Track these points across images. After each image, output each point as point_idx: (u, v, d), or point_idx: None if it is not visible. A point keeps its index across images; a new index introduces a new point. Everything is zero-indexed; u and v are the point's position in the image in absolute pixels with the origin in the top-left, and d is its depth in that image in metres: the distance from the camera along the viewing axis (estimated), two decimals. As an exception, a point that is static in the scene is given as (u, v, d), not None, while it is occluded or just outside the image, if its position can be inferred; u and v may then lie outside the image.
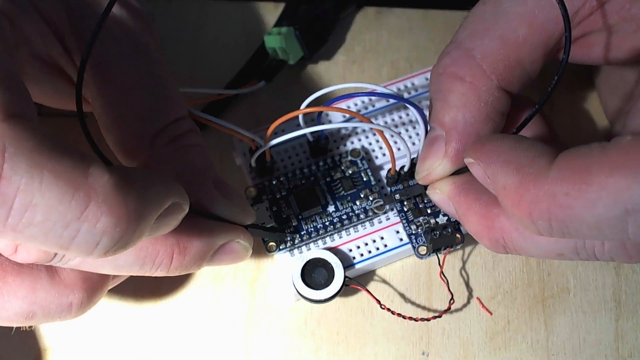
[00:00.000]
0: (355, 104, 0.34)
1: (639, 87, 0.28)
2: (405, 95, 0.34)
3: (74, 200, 0.17)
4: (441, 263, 0.30)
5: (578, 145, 0.21)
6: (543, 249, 0.24)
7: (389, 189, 0.32)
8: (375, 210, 0.31)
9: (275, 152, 0.33)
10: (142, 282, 0.32)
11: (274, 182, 0.32)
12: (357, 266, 0.31)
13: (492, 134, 0.26)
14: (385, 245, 0.31)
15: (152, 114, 0.25)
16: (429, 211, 0.31)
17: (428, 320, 0.30)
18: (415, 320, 0.29)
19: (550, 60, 0.27)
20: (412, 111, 0.29)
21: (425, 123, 0.29)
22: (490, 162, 0.23)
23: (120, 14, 0.27)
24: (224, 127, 0.30)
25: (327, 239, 0.31)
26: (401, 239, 0.31)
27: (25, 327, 0.28)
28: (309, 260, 0.30)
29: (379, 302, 0.30)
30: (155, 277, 0.32)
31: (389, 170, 0.31)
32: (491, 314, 0.31)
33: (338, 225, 0.31)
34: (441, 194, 0.27)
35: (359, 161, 0.32)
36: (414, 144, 0.33)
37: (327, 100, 0.32)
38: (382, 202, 0.31)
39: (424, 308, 0.31)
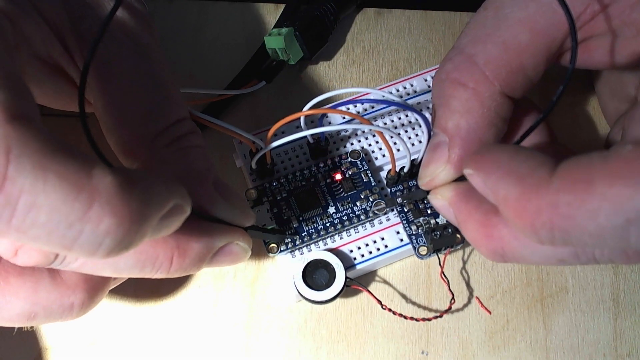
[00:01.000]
0: (355, 106, 0.34)
1: (639, 92, 0.28)
2: (405, 98, 0.35)
3: (77, 201, 0.17)
4: (442, 263, 0.30)
5: (579, 155, 0.21)
6: (544, 256, 0.24)
7: (389, 189, 0.32)
8: (376, 211, 0.31)
9: (275, 153, 0.33)
10: (143, 282, 0.32)
11: (274, 184, 0.32)
12: (358, 267, 0.31)
13: (491, 145, 0.26)
14: (386, 246, 0.31)
15: (153, 115, 0.25)
16: (429, 211, 0.31)
17: (429, 320, 0.30)
18: (417, 320, 0.30)
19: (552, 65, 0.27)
20: (413, 113, 0.29)
21: (429, 128, 0.29)
22: (490, 173, 0.23)
23: (121, 15, 0.27)
24: (224, 128, 0.30)
25: (328, 240, 0.31)
26: (402, 240, 0.31)
27: (26, 327, 0.28)
28: (310, 261, 0.30)
29: (380, 302, 0.30)
30: (155, 278, 0.32)
31: (389, 171, 0.31)
32: (490, 313, 0.31)
33: (339, 226, 0.31)
34: (442, 200, 0.27)
35: (359, 162, 0.32)
36: (413, 144, 0.33)
37: (328, 103, 0.32)
38: (382, 203, 0.31)
39: (424, 308, 0.32)
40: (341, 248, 0.31)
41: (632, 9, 0.25)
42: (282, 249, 0.30)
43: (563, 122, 0.36)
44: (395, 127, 0.34)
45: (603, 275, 0.32)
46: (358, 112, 0.34)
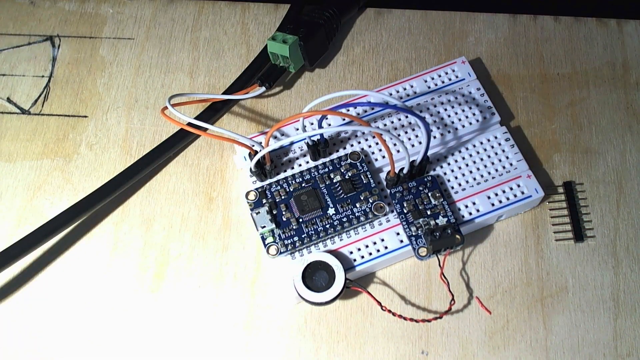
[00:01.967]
0: (354, 107, 0.34)
1: None
2: (404, 99, 0.35)
3: None
4: (441, 264, 0.31)
5: None
6: None
7: (388, 190, 0.32)
8: (375, 213, 0.31)
9: (275, 155, 0.33)
10: (143, 282, 0.32)
11: (274, 186, 0.32)
12: (357, 268, 0.31)
13: None
14: (386, 247, 0.31)
15: None
16: (428, 213, 0.31)
17: (429, 321, 0.30)
18: (417, 321, 0.30)
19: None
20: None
21: (428, 130, 0.29)
22: None
23: None
24: (220, 137, 0.30)
25: (328, 241, 0.31)
26: (401, 241, 0.31)
27: None
28: (310, 263, 0.30)
29: (379, 303, 0.30)
30: (155, 277, 0.32)
31: (389, 172, 0.31)
32: (490, 313, 0.31)
33: (338, 227, 0.31)
34: None
35: (358, 164, 0.32)
36: (413, 146, 0.34)
37: (327, 105, 0.32)
38: (382, 204, 0.31)
39: (424, 309, 0.32)
40: (341, 249, 0.31)
41: None
42: (282, 251, 0.30)
43: (563, 122, 0.36)
44: (395, 129, 0.34)
45: (603, 275, 0.32)
46: (357, 114, 0.34)
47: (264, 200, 0.32)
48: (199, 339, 0.31)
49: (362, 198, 0.31)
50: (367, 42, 0.39)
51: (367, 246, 0.31)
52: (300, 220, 0.31)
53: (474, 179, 0.33)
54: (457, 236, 0.30)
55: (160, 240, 0.33)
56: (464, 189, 0.32)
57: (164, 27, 0.40)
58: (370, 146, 0.33)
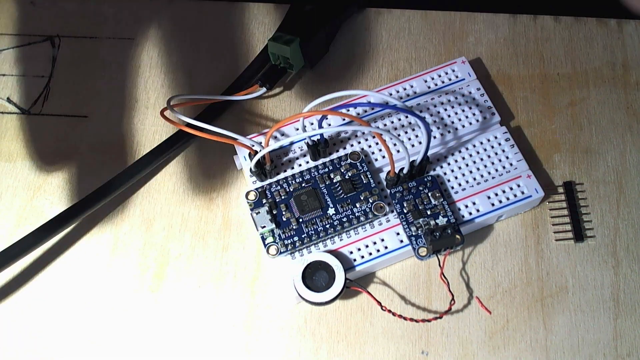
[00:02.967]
0: (354, 107, 0.34)
1: None
2: (404, 99, 0.35)
3: None
4: (441, 264, 0.31)
5: None
6: None
7: (388, 190, 0.32)
8: (375, 213, 0.31)
9: (275, 155, 0.33)
10: (142, 282, 0.32)
11: (274, 186, 0.32)
12: (357, 268, 0.31)
13: None
14: (386, 247, 0.31)
15: None
16: (428, 212, 0.31)
17: (429, 321, 0.30)
18: (417, 321, 0.30)
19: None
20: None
21: (428, 130, 0.29)
22: None
23: None
24: (220, 137, 0.30)
25: (328, 241, 0.31)
26: (401, 241, 0.31)
27: None
28: (310, 263, 0.30)
29: (379, 303, 0.30)
30: (155, 277, 0.32)
31: (388, 172, 0.31)
32: (490, 313, 0.31)
33: (338, 227, 0.31)
34: None
35: (358, 164, 0.32)
36: (413, 146, 0.34)
37: (327, 105, 0.32)
38: (382, 204, 0.31)
39: (424, 309, 0.32)
40: (341, 249, 0.31)
41: None
42: (282, 251, 0.30)
43: (563, 122, 0.36)
44: (395, 129, 0.34)
45: (603, 275, 0.32)
46: (358, 114, 0.34)
47: (264, 200, 0.32)
48: (199, 338, 0.31)
49: (362, 198, 0.31)
50: (367, 42, 0.39)
51: (367, 246, 0.31)
52: (300, 220, 0.31)
53: (474, 179, 0.33)
54: (457, 236, 0.30)
55: (160, 240, 0.33)
56: (464, 189, 0.32)
57: (164, 27, 0.40)
58: (370, 146, 0.33)
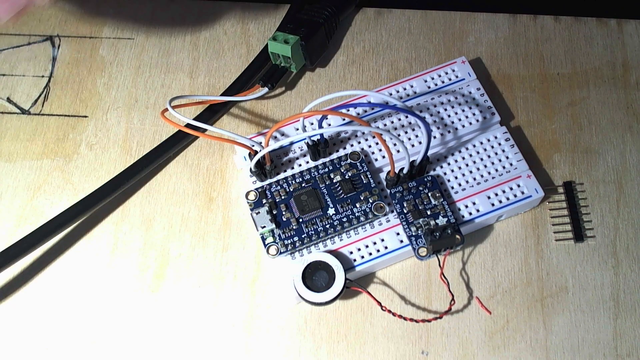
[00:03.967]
0: (354, 107, 0.34)
1: None
2: (404, 99, 0.35)
3: None
4: (441, 264, 0.31)
5: None
6: None
7: (388, 190, 0.32)
8: (375, 213, 0.31)
9: (275, 155, 0.33)
10: (142, 282, 0.32)
11: (274, 186, 0.32)
12: (357, 268, 0.31)
13: None
14: (386, 247, 0.31)
15: None
16: (428, 213, 0.31)
17: (429, 321, 0.30)
18: (416, 321, 0.30)
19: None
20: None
21: (428, 130, 0.29)
22: None
23: None
24: (220, 138, 0.30)
25: (328, 241, 0.31)
26: (401, 241, 0.31)
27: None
28: (310, 263, 0.30)
29: (379, 303, 0.30)
30: (155, 277, 0.32)
31: (388, 172, 0.31)
32: (490, 313, 0.31)
33: (338, 228, 0.31)
34: None
35: (358, 164, 0.32)
36: (413, 145, 0.34)
37: (327, 105, 0.32)
38: (382, 204, 0.31)
39: (424, 309, 0.32)
40: (341, 249, 0.31)
41: None
42: (282, 251, 0.30)
43: (563, 122, 0.36)
44: (395, 129, 0.34)
45: (603, 275, 0.32)
46: (358, 114, 0.34)
47: (264, 200, 0.32)
48: (198, 338, 0.31)
49: (362, 198, 0.31)
50: (367, 42, 0.39)
51: (367, 246, 0.31)
52: (300, 220, 0.31)
53: (474, 179, 0.33)
54: (457, 236, 0.30)
55: (160, 240, 0.33)
56: (464, 189, 0.32)
57: (164, 27, 0.40)
58: (370, 146, 0.33)
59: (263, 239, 0.31)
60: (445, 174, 0.33)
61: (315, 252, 0.31)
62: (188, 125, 0.33)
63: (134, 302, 0.32)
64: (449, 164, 0.33)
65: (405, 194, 0.32)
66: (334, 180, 0.32)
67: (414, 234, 0.31)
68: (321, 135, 0.32)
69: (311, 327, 0.31)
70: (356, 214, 0.31)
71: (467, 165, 0.33)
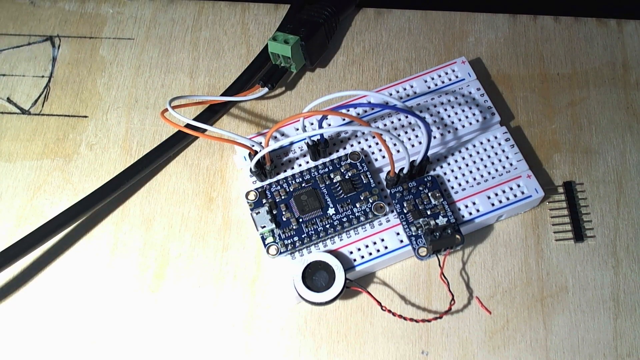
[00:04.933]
0: (355, 107, 0.34)
1: None
2: (404, 99, 0.35)
3: None
4: (441, 264, 0.31)
5: None
6: None
7: (388, 190, 0.32)
8: (375, 213, 0.31)
9: (275, 155, 0.33)
10: (143, 282, 0.32)
11: (274, 186, 0.32)
12: (357, 268, 0.31)
13: None
14: (386, 247, 0.31)
15: None
16: (428, 212, 0.31)
17: (429, 321, 0.30)
18: (417, 321, 0.30)
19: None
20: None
21: (428, 130, 0.29)
22: None
23: None
24: (220, 138, 0.30)
25: (328, 241, 0.31)
26: (401, 241, 0.31)
27: None
28: (310, 263, 0.30)
29: (379, 303, 0.30)
30: (155, 277, 0.32)
31: (388, 172, 0.31)
32: (490, 313, 0.31)
33: (338, 227, 0.31)
34: None
35: (358, 164, 0.32)
36: (413, 146, 0.34)
37: (327, 105, 0.32)
38: (382, 204, 0.31)
39: (423, 309, 0.32)
40: (341, 249, 0.31)
41: None
42: (282, 251, 0.30)
43: (563, 122, 0.36)
44: (395, 129, 0.34)
45: (603, 275, 0.32)
46: (358, 114, 0.34)
47: (264, 200, 0.32)
48: (198, 338, 0.31)
49: (362, 198, 0.31)
50: (367, 42, 0.39)
51: (367, 246, 0.31)
52: (300, 220, 0.31)
53: (474, 179, 0.33)
54: (457, 236, 0.30)
55: (160, 240, 0.33)
56: (464, 189, 0.32)
57: (164, 27, 0.40)
58: (370, 146, 0.33)
59: (263, 239, 0.31)
60: (445, 173, 0.33)
61: (315, 252, 0.31)
62: (188, 126, 0.33)
63: (134, 302, 0.32)
64: (449, 163, 0.33)
65: (405, 193, 0.32)
66: (334, 180, 0.32)
67: (414, 233, 0.31)
68: (321, 135, 0.32)
69: (311, 327, 0.31)
70: (356, 214, 0.31)
71: (467, 165, 0.33)
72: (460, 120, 0.34)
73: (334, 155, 0.33)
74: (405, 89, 0.35)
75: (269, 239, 0.31)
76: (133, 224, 0.34)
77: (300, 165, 0.33)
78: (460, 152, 0.33)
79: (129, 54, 0.39)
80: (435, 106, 0.34)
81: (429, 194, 0.32)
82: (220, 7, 0.40)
